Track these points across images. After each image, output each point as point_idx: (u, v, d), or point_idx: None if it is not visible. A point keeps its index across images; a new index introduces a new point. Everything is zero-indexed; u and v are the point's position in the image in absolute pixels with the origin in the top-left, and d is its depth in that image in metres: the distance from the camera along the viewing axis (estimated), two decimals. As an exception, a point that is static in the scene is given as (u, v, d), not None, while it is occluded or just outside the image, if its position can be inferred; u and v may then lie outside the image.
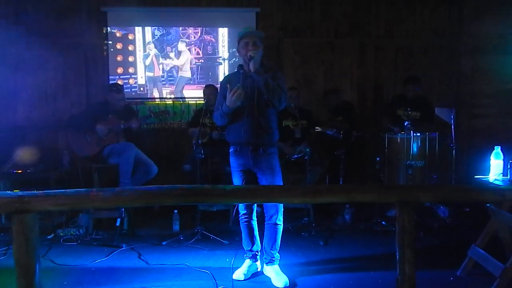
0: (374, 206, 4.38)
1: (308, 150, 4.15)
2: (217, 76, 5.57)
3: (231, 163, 3.09)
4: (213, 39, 5.57)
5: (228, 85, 2.93)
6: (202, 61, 5.59)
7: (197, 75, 5.58)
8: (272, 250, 3.05)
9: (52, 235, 3.98)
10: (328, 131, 4.52)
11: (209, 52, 5.57)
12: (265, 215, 3.06)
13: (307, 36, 5.70)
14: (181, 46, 5.53)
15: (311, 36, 5.71)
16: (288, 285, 2.92)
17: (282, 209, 3.05)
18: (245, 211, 3.09)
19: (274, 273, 3.01)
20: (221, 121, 3.04)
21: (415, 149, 4.45)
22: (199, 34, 5.54)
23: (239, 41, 3.00)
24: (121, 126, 4.29)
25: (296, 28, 5.69)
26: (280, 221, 3.03)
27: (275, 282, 2.96)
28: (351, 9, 5.74)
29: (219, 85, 4.15)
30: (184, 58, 5.54)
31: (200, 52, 5.56)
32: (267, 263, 3.08)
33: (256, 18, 5.59)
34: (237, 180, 3.08)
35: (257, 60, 2.91)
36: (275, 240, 3.04)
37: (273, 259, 3.06)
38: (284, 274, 3.01)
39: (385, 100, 5.59)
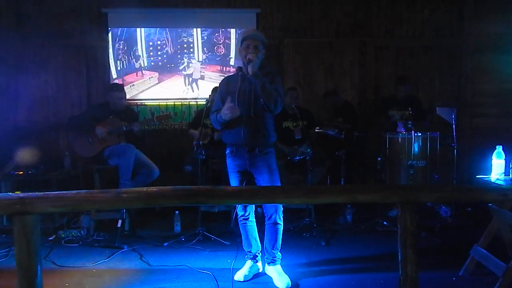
0: (375, 206, 4.38)
1: (309, 150, 4.14)
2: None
3: (228, 164, 3.09)
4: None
5: (225, 88, 3.00)
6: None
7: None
8: (273, 250, 3.05)
9: (54, 236, 3.99)
10: (330, 131, 4.50)
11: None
12: (265, 215, 3.06)
13: (307, 36, 5.71)
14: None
15: (311, 36, 5.72)
16: (290, 285, 2.91)
17: (282, 209, 3.05)
18: (243, 212, 3.09)
19: (276, 273, 3.01)
20: (217, 126, 3.09)
21: (416, 149, 4.45)
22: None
23: (242, 42, 2.99)
24: (123, 128, 4.29)
25: (296, 28, 5.69)
26: (280, 220, 3.03)
27: (277, 283, 2.95)
28: (351, 9, 5.75)
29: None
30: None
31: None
32: (268, 263, 3.08)
33: (257, 18, 5.59)
34: (234, 181, 3.07)
35: (255, 64, 2.91)
36: (276, 240, 3.03)
37: (275, 259, 3.06)
38: (286, 274, 3.00)
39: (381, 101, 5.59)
